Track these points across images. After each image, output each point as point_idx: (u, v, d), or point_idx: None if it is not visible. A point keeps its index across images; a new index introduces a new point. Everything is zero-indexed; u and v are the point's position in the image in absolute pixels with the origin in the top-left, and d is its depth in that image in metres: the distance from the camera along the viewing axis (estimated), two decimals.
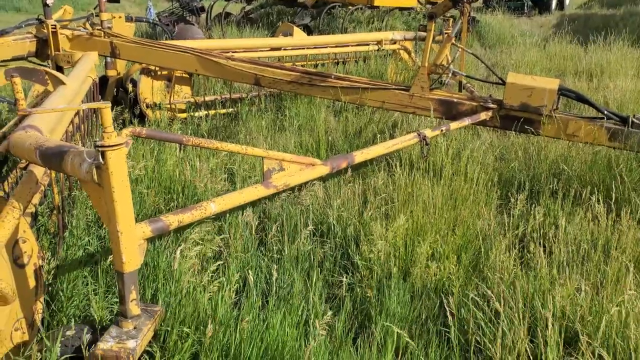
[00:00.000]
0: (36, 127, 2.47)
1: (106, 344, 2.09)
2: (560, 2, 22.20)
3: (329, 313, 2.59)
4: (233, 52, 6.16)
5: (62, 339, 2.17)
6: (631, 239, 3.11)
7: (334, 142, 5.09)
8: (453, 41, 4.68)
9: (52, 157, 2.13)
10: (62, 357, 2.16)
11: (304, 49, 6.96)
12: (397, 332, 2.44)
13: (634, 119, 4.04)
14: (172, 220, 2.38)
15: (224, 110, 6.21)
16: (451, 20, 5.36)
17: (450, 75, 4.69)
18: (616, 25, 13.49)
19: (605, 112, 4.17)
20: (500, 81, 4.55)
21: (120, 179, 2.00)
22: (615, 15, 16.77)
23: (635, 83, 7.05)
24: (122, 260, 2.10)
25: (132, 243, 2.11)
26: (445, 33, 4.83)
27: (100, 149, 1.94)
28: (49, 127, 2.63)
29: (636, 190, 3.76)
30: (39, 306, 2.43)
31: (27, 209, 2.50)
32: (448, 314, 2.56)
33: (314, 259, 3.14)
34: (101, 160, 1.95)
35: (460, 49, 4.94)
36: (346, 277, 3.04)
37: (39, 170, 2.60)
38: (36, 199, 2.73)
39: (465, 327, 2.59)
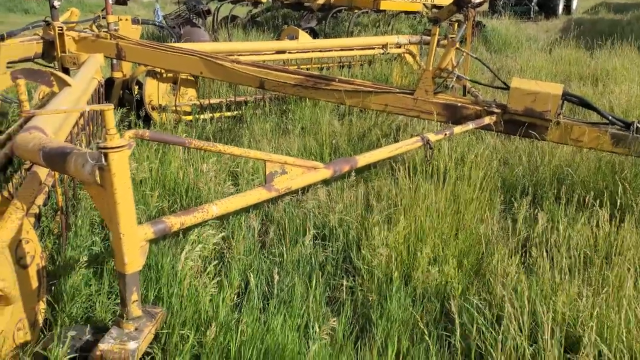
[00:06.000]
0: (40, 128, 2.49)
1: (107, 345, 2.10)
2: (567, 7, 22.18)
3: (331, 318, 2.59)
4: (238, 54, 6.18)
5: (64, 339, 2.18)
6: (634, 244, 3.10)
7: (338, 145, 5.09)
8: (457, 45, 4.68)
9: (56, 158, 2.14)
10: (64, 358, 2.17)
11: (309, 52, 6.98)
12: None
13: (638, 125, 4.02)
14: (175, 222, 2.39)
15: (228, 113, 6.22)
16: (456, 24, 5.36)
17: (454, 79, 4.68)
18: (622, 30, 13.45)
19: (610, 117, 4.15)
20: (504, 86, 4.54)
21: (123, 181, 2.01)
22: (622, 20, 16.74)
23: None
24: (124, 261, 2.11)
25: (134, 244, 2.12)
26: (450, 37, 4.83)
27: (103, 150, 1.95)
28: (53, 129, 2.65)
29: None
30: (41, 306, 2.44)
31: (31, 209, 2.51)
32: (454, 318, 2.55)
33: (315, 262, 3.14)
34: (104, 161, 1.96)
35: (464, 53, 4.94)
36: (347, 281, 3.04)
37: (42, 171, 2.62)
38: (40, 200, 2.74)
39: (467, 332, 2.59)
